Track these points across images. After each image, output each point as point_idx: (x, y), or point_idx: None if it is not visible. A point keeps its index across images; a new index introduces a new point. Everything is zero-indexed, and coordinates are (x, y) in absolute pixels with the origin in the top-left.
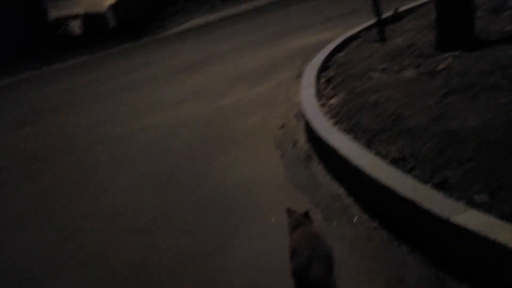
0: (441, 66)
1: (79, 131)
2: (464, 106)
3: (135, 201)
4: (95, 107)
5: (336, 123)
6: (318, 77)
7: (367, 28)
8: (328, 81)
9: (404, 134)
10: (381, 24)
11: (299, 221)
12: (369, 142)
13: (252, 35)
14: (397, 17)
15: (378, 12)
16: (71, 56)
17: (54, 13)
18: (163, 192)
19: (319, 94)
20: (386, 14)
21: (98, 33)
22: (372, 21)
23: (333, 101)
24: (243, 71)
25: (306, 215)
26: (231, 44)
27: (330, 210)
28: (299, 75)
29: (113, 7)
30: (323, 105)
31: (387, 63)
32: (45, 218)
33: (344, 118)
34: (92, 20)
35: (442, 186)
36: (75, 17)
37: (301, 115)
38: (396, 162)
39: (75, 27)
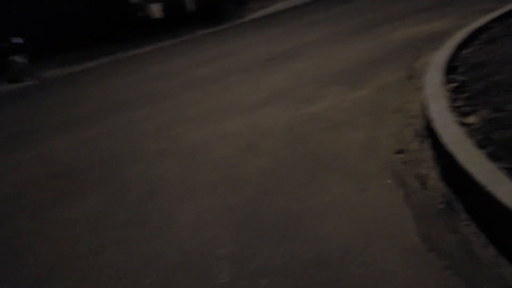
0: None
1: (146, 135)
2: None
3: (203, 247)
4: (167, 104)
5: (490, 157)
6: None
7: (499, 19)
8: (459, 89)
9: None
10: None
11: None
12: None
13: (340, 24)
14: None
15: None
16: (151, 41)
17: None
18: (241, 240)
19: (451, 107)
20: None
21: (176, 17)
22: (502, 9)
23: (472, 119)
24: (335, 68)
25: None
26: (317, 34)
27: None
28: (411, 77)
29: None
30: (460, 124)
31: None
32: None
33: (500, 150)
34: (171, 4)
35: None
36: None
37: (424, 136)
38: None
39: (156, 10)
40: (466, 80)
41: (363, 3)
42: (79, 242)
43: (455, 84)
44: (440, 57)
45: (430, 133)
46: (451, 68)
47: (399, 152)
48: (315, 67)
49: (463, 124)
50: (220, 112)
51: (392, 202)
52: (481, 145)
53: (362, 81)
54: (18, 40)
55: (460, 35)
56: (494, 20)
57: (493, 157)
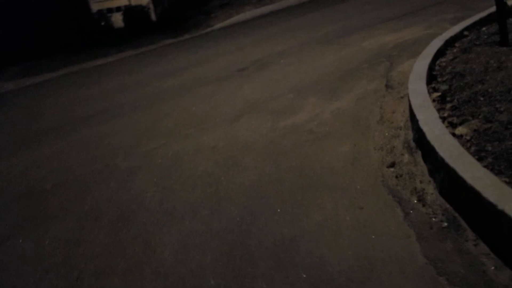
0: None
1: (115, 151)
2: None
3: (189, 280)
4: (136, 118)
5: (491, 170)
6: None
7: (470, 27)
8: (443, 99)
9: None
10: (503, 21)
11: None
12: None
13: (311, 33)
14: (508, 11)
15: (500, 3)
16: (113, 52)
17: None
18: (232, 269)
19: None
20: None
21: (140, 26)
22: (475, 17)
23: (462, 130)
24: (309, 78)
25: None
26: (288, 43)
27: None
28: (389, 86)
29: None
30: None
31: None
32: None
33: (498, 162)
34: (134, 13)
35: None
36: (118, 9)
37: (414, 148)
38: None
39: (118, 19)
40: (449, 90)
41: (330, 12)
42: (47, 277)
43: (437, 94)
44: (419, 66)
45: (421, 145)
46: (430, 77)
47: (391, 165)
48: (289, 77)
49: (454, 136)
50: (194, 125)
51: (392, 221)
52: (477, 158)
53: (339, 91)
54: None
55: (435, 44)
56: (466, 29)
57: (493, 170)
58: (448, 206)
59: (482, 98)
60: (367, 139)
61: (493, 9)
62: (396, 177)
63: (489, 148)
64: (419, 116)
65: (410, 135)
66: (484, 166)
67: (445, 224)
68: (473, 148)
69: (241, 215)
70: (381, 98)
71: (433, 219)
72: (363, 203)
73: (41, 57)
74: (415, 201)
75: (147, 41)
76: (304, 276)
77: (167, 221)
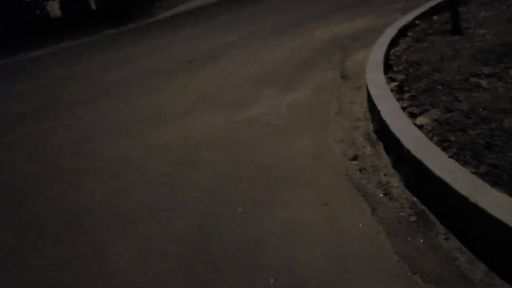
0: None
1: (57, 150)
2: None
3: (146, 286)
4: (78, 114)
5: (457, 161)
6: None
7: (423, 15)
8: (401, 89)
9: None
10: (455, 9)
11: None
12: None
13: (263, 23)
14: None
15: None
16: (50, 43)
17: None
18: (194, 276)
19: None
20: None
21: (79, 15)
22: (425, 6)
23: (423, 120)
24: (262, 69)
25: None
26: (236, 34)
27: None
28: (344, 76)
29: None
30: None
31: (492, 67)
32: None
33: (463, 153)
34: (72, 1)
35: None
36: None
37: (375, 139)
38: None
39: (54, 8)
40: (406, 79)
41: (278, 2)
42: None
43: (395, 84)
44: (375, 55)
45: (382, 137)
46: (386, 67)
47: (354, 158)
48: (240, 69)
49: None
50: (143, 120)
51: (359, 217)
52: (441, 149)
53: (294, 83)
54: None
55: (389, 33)
56: (417, 18)
57: (459, 161)
58: (415, 199)
59: (440, 87)
60: (326, 132)
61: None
62: (360, 170)
63: (452, 138)
64: (380, 107)
65: (370, 126)
66: (449, 157)
67: (414, 218)
68: (435, 139)
69: (200, 217)
70: (338, 89)
71: (401, 213)
72: (328, 199)
73: None
74: (381, 195)
75: (88, 31)
76: (272, 280)
77: (119, 226)
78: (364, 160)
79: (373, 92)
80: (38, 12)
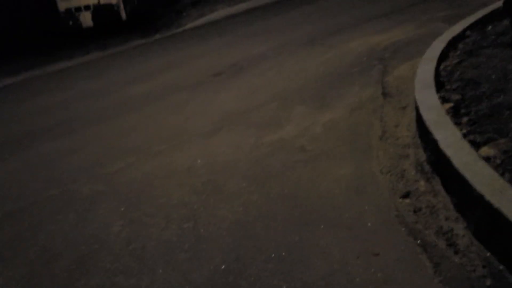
0: None
1: (75, 173)
2: None
3: None
4: (99, 131)
5: None
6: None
7: (474, 25)
8: (457, 112)
9: None
10: None
11: None
12: None
13: (293, 33)
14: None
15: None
16: (79, 54)
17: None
18: None
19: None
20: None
21: (110, 26)
22: (476, 15)
23: (488, 151)
24: (293, 84)
25: None
26: (265, 45)
27: None
28: (386, 94)
29: None
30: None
31: None
32: None
33: None
34: (103, 11)
35: None
36: (86, 8)
37: (430, 172)
38: None
39: (87, 18)
40: (462, 100)
41: (310, 10)
42: None
43: (449, 105)
44: (424, 71)
45: (439, 170)
46: (437, 85)
47: (405, 195)
48: (270, 83)
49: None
50: (166, 140)
51: (419, 275)
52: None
53: (330, 100)
54: None
55: (437, 46)
56: (468, 28)
57: None
58: (488, 254)
59: (507, 112)
60: (370, 160)
61: (494, 6)
62: (414, 211)
63: None
64: (438, 135)
65: (422, 155)
66: None
67: (489, 282)
68: (507, 176)
69: (227, 262)
70: (380, 108)
71: (473, 273)
72: (377, 247)
73: (2, 60)
74: (444, 246)
75: (116, 41)
76: None
77: (136, 268)
78: (418, 198)
79: (426, 117)
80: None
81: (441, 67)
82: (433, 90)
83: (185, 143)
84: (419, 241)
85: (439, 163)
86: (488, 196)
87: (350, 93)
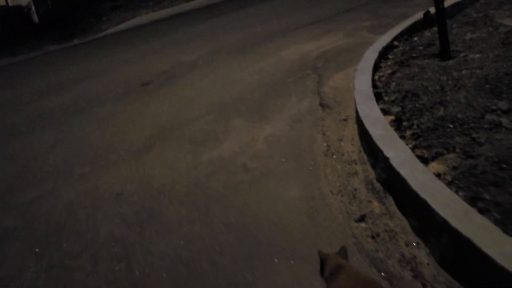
0: None
1: None
2: None
3: None
4: (8, 152)
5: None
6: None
7: (400, 36)
8: (399, 125)
9: None
10: (443, 30)
11: (338, 264)
12: None
13: (222, 40)
14: (429, 22)
15: (440, 12)
16: None
17: None
18: None
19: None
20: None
21: (20, 30)
22: (402, 25)
23: (438, 167)
24: (228, 95)
25: (343, 253)
26: (194, 53)
27: None
28: (324, 105)
29: None
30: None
31: (508, 101)
32: None
33: (508, 220)
34: (12, 14)
35: None
36: None
37: (382, 191)
38: None
39: None
40: (402, 112)
41: (239, 17)
42: None
43: (390, 117)
44: (361, 82)
45: (391, 189)
46: (375, 96)
47: (361, 219)
48: (203, 94)
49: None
50: (90, 161)
51: None
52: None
53: (268, 112)
54: None
55: (370, 56)
56: (395, 39)
57: (506, 232)
58: (459, 286)
59: (451, 125)
60: (318, 179)
61: (415, 17)
62: (373, 237)
63: (487, 196)
64: (388, 152)
65: (370, 172)
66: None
67: None
68: (461, 194)
69: None
70: (320, 121)
71: None
72: None
73: None
74: (410, 278)
75: (28, 47)
76: None
77: None
78: (375, 222)
79: (372, 131)
80: None
81: (375, 77)
82: (374, 102)
83: (112, 163)
84: (383, 274)
85: (391, 183)
86: (453, 223)
87: (288, 105)
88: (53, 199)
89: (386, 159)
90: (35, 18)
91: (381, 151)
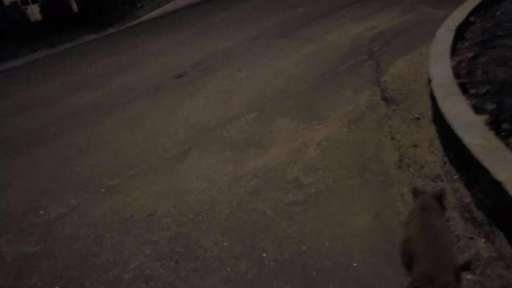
0: None
1: None
2: None
3: None
4: (36, 156)
5: None
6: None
7: (476, 10)
8: (496, 124)
9: None
10: None
11: (428, 206)
12: None
13: (258, 24)
14: None
15: None
16: (25, 51)
17: None
18: None
19: None
20: None
21: (60, 19)
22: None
23: None
24: (272, 87)
25: (439, 198)
26: (235, 38)
27: None
28: (388, 99)
29: None
30: None
31: None
32: None
33: None
34: (53, 4)
35: None
36: (34, 1)
37: (486, 223)
38: None
39: (35, 12)
40: (498, 110)
41: None
42: None
43: (483, 117)
44: (439, 72)
45: (506, 223)
46: (463, 89)
47: (465, 267)
48: (242, 88)
49: None
50: (120, 170)
51: None
52: None
53: (319, 110)
54: None
55: (443, 37)
56: (470, 14)
57: None
58: None
59: None
60: (393, 201)
61: None
62: (474, 283)
63: None
64: (499, 174)
65: (464, 193)
66: None
67: None
68: None
69: None
70: (385, 120)
71: None
72: None
73: None
74: None
75: (66, 37)
76: None
77: None
78: (485, 271)
79: (468, 141)
80: (17, 17)
81: (453, 64)
82: (460, 97)
83: (144, 174)
84: None
85: (503, 214)
86: None
87: (343, 99)
88: (78, 219)
89: (496, 183)
90: (75, 7)
91: (485, 170)
